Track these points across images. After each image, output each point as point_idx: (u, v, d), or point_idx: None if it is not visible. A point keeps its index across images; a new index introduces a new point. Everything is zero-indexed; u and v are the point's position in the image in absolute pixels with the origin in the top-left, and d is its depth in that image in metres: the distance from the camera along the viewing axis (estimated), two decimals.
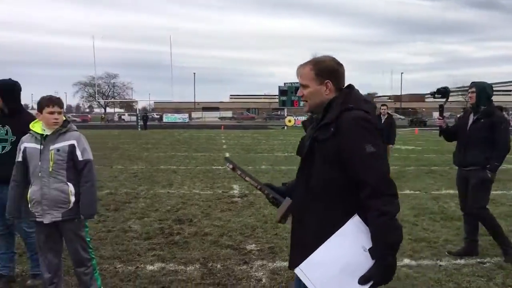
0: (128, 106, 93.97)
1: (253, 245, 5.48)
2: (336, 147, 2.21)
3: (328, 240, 2.18)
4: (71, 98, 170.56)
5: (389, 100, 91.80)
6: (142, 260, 4.92)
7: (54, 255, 3.69)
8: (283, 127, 44.72)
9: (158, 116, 71.71)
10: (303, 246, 2.29)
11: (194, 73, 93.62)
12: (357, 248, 2.14)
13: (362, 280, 2.10)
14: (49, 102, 3.56)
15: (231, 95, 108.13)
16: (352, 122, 2.22)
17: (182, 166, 13.08)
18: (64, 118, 3.67)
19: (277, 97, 50.97)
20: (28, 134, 3.62)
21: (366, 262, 2.10)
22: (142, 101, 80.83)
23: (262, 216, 6.86)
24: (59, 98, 3.67)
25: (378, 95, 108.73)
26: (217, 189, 9.29)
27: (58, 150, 3.54)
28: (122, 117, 77.11)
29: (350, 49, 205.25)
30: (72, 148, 3.58)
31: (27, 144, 3.60)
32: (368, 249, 2.12)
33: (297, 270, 2.25)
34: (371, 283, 2.10)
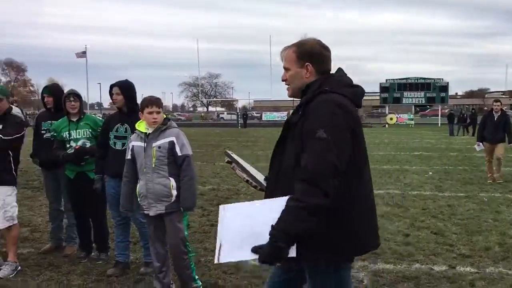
0: (229, 105, 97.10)
1: None
2: (301, 129, 2.13)
3: (265, 201, 2.19)
4: (176, 98, 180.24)
5: (504, 96, 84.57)
6: None
7: (161, 245, 3.92)
8: (384, 125, 43.26)
9: (258, 115, 73.05)
10: None
11: None
12: (273, 221, 2.06)
13: (253, 250, 2.06)
14: (148, 103, 3.79)
15: None
16: (318, 104, 2.13)
17: None
18: (165, 116, 3.88)
19: (377, 94, 49.51)
20: (135, 133, 3.91)
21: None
22: (242, 100, 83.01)
23: None
24: (157, 99, 3.88)
25: (491, 90, 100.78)
26: None
27: (159, 147, 3.75)
28: (221, 115, 79.51)
29: (457, 43, 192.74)
30: (171, 144, 3.77)
31: (134, 142, 3.88)
32: (271, 225, 2.03)
33: (221, 207, 2.29)
34: (257, 256, 2.05)
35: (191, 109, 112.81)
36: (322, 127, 2.04)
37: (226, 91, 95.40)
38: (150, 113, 3.77)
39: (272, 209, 2.08)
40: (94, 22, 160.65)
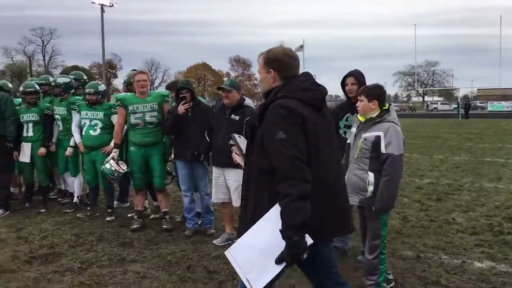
0: (448, 94, 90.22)
1: None
2: (261, 134, 2.41)
3: (255, 225, 2.36)
4: (390, 88, 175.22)
5: None
6: (469, 255, 4.68)
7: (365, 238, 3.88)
8: None
9: (482, 104, 66.15)
10: (243, 223, 2.53)
11: None
12: (277, 231, 2.23)
13: (277, 260, 2.25)
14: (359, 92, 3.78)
15: None
16: (271, 110, 2.39)
17: None
18: (385, 107, 3.69)
19: None
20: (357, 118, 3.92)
21: (283, 244, 2.22)
22: (464, 89, 76.17)
23: None
24: (364, 88, 3.80)
25: None
26: None
27: (365, 139, 3.61)
28: (434, 106, 73.65)
29: None
30: (377, 139, 3.55)
31: (353, 129, 3.87)
32: (279, 230, 2.21)
33: (226, 253, 2.48)
34: (284, 263, 2.24)
35: (405, 99, 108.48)
36: (281, 129, 2.31)
37: (445, 79, 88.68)
38: (361, 101, 3.74)
39: (268, 222, 2.30)
40: (311, 16, 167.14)
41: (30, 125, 6.60)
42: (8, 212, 6.51)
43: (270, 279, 2.29)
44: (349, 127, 4.34)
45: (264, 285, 2.30)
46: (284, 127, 2.32)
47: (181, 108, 5.27)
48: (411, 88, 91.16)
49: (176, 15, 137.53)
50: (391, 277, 3.95)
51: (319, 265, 2.58)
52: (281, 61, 2.54)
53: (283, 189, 2.25)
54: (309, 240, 2.25)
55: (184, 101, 5.31)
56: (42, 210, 6.61)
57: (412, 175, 9.57)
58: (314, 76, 2.71)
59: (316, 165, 2.38)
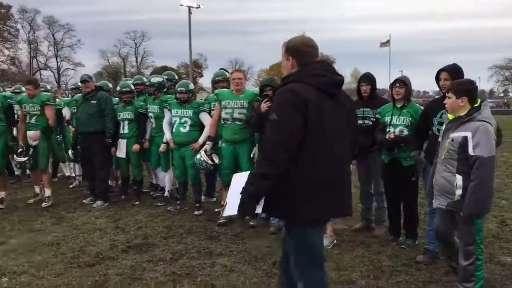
0: None
1: None
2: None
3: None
4: (485, 83, 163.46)
5: None
6: None
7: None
8: None
9: None
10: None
11: None
12: None
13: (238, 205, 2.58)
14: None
15: None
16: (279, 93, 2.59)
17: None
18: (476, 104, 3.44)
19: None
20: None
21: None
22: None
23: None
24: (452, 84, 3.58)
25: None
26: None
27: (452, 139, 3.41)
28: None
29: None
30: (464, 140, 3.33)
31: (443, 126, 3.68)
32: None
33: (235, 174, 3.06)
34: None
35: (502, 94, 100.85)
36: (275, 111, 2.51)
37: None
38: (448, 97, 3.54)
39: None
40: (398, 10, 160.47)
41: (126, 122, 7.03)
42: (107, 204, 6.99)
43: (232, 214, 2.69)
44: (443, 124, 4.14)
45: (227, 215, 2.85)
46: (280, 110, 2.50)
47: (264, 106, 5.33)
48: (508, 83, 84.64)
49: (260, 14, 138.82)
50: None
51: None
52: (299, 49, 2.72)
53: (259, 164, 2.58)
54: (258, 209, 2.57)
55: (267, 98, 5.37)
56: (137, 203, 7.03)
57: (511, 176, 8.91)
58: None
59: (312, 150, 2.54)
